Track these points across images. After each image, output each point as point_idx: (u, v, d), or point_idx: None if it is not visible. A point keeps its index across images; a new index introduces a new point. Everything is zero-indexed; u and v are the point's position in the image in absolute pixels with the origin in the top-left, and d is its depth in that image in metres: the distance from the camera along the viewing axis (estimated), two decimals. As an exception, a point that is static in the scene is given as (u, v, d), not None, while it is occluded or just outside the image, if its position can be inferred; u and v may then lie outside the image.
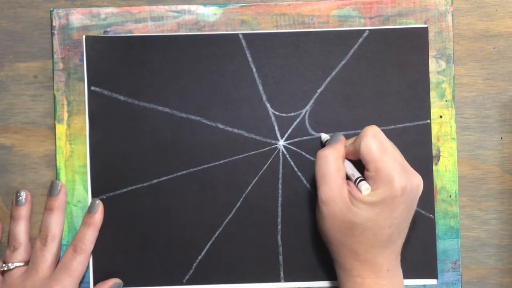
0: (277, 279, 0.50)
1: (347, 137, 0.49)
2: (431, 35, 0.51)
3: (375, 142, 0.44)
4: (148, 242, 0.50)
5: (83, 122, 0.50)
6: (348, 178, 0.45)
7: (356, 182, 0.44)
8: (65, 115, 0.50)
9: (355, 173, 0.45)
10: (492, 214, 0.51)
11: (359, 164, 0.45)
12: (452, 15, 0.51)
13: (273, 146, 0.50)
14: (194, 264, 0.50)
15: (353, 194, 0.43)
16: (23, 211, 0.49)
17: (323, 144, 0.50)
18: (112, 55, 0.50)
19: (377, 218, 0.43)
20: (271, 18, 0.51)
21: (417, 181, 0.44)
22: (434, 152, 0.50)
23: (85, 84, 0.50)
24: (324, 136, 0.49)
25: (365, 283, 0.44)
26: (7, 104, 0.51)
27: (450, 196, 0.50)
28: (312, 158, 0.50)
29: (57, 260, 0.49)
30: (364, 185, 0.43)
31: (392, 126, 0.50)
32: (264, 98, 0.50)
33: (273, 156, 0.50)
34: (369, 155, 0.43)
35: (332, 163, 0.44)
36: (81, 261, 0.48)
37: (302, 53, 0.50)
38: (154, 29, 0.51)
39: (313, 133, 0.50)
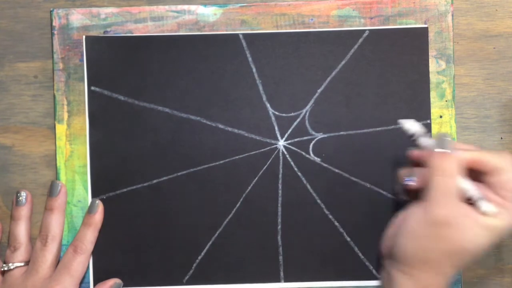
0: (277, 279, 0.50)
1: (348, 137, 0.50)
2: (431, 35, 0.51)
3: None
4: (148, 242, 0.50)
5: (83, 122, 0.50)
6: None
7: (477, 202, 0.41)
8: (65, 115, 0.50)
9: (475, 192, 0.41)
10: (492, 214, 0.51)
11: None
12: (452, 15, 0.51)
13: (273, 146, 0.50)
14: (194, 264, 0.50)
15: (475, 216, 0.40)
16: (23, 211, 0.49)
17: (409, 136, 0.44)
18: (112, 55, 0.50)
19: (489, 245, 0.41)
20: (271, 18, 0.51)
21: None
22: (434, 152, 0.50)
23: (85, 84, 0.50)
24: (410, 125, 0.44)
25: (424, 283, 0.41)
26: (7, 104, 0.51)
27: (450, 196, 0.50)
28: (311, 158, 0.50)
29: (58, 260, 0.49)
30: (490, 207, 0.40)
31: (392, 126, 0.50)
32: (264, 98, 0.50)
33: (273, 156, 0.50)
34: (509, 192, 0.41)
35: (451, 180, 0.40)
36: (82, 262, 0.48)
37: (302, 53, 0.50)
38: (154, 29, 0.51)
39: (313, 133, 0.50)
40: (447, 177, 0.41)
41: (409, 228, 0.42)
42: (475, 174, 0.43)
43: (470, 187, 0.42)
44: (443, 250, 0.41)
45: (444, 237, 0.40)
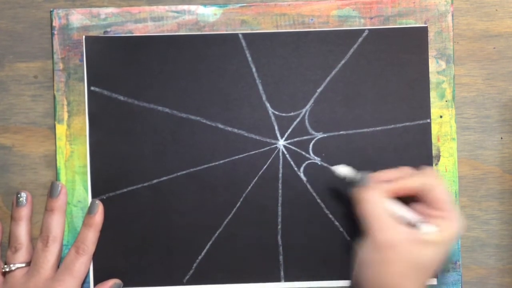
0: (277, 279, 0.50)
1: (348, 137, 0.50)
2: (431, 35, 0.51)
3: (445, 189, 0.44)
4: (148, 242, 0.50)
5: (83, 122, 0.50)
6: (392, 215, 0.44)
7: (416, 225, 0.43)
8: (65, 115, 0.50)
9: (412, 216, 0.44)
10: (492, 214, 0.51)
11: None
12: (452, 15, 0.51)
13: (273, 146, 0.50)
14: (194, 264, 0.50)
15: (417, 234, 0.43)
16: (24, 212, 0.49)
17: (340, 178, 0.47)
18: (112, 55, 0.50)
19: (441, 258, 0.43)
20: (271, 18, 0.51)
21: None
22: (434, 152, 0.50)
23: (85, 84, 0.50)
24: (342, 171, 0.47)
25: None
26: (7, 104, 0.51)
27: (450, 196, 0.50)
28: (311, 157, 0.50)
29: (59, 261, 0.49)
30: (429, 228, 0.43)
31: (392, 126, 0.50)
32: (264, 98, 0.50)
33: (273, 156, 0.50)
34: (445, 203, 0.43)
35: (379, 205, 0.44)
36: (84, 262, 0.48)
37: (302, 53, 0.50)
38: (154, 29, 0.51)
39: (313, 132, 0.50)
40: (373, 204, 0.44)
41: (362, 258, 0.44)
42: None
43: (406, 213, 0.44)
44: (396, 272, 0.42)
45: (392, 260, 0.42)
